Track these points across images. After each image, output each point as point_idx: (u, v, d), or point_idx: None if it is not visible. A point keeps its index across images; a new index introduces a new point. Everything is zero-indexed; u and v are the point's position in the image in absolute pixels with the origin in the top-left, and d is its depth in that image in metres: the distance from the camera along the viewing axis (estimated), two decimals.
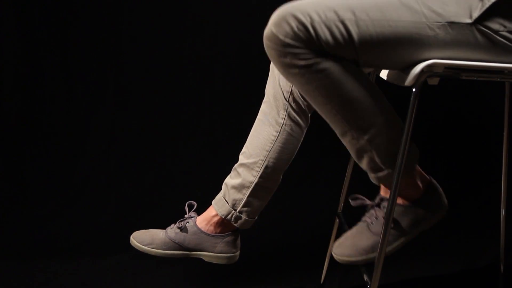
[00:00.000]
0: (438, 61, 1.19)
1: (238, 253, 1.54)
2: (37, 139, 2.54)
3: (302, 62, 1.17)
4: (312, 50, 1.17)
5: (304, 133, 1.47)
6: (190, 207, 1.57)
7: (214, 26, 2.51)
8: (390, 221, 1.25)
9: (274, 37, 1.17)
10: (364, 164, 1.30)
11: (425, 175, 1.38)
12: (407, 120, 1.19)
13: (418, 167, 1.37)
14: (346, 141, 1.28)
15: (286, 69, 1.20)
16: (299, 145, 1.48)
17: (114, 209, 2.34)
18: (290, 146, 1.45)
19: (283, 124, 1.43)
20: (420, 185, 1.36)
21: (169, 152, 2.54)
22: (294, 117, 1.43)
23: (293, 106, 1.43)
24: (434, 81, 1.22)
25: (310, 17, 1.15)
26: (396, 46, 1.19)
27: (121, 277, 1.87)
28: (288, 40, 1.16)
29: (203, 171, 2.42)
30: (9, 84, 2.53)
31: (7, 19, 2.47)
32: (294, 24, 1.15)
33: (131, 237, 1.53)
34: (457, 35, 1.19)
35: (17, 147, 2.52)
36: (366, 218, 1.39)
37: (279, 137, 1.43)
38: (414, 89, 1.19)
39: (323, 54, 1.18)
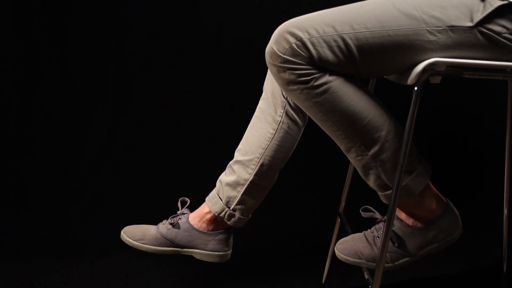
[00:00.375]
0: (440, 59, 1.19)
1: (230, 251, 1.52)
2: (36, 138, 2.54)
3: (300, 78, 1.20)
4: (311, 66, 1.20)
5: (302, 131, 1.45)
6: (183, 203, 1.55)
7: (214, 22, 2.50)
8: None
9: (273, 54, 1.21)
10: (371, 182, 1.31)
11: (441, 196, 1.37)
12: (409, 119, 1.19)
13: (433, 188, 1.36)
14: (351, 158, 1.30)
15: (286, 85, 1.23)
16: (296, 143, 1.46)
17: (113, 208, 2.34)
18: (287, 144, 1.43)
19: (280, 121, 1.41)
20: (434, 206, 1.35)
21: (167, 149, 2.53)
22: (292, 115, 1.41)
23: (291, 103, 1.41)
24: (436, 80, 1.22)
25: (308, 33, 1.18)
26: (397, 54, 1.20)
27: (119, 277, 1.86)
28: (286, 57, 1.19)
29: (199, 168, 2.41)
30: (7, 82, 2.52)
31: (5, 16, 2.47)
32: (292, 40, 1.19)
33: (122, 231, 1.51)
34: (459, 38, 1.19)
35: (15, 146, 2.52)
36: (374, 230, 1.40)
37: (276, 135, 1.41)
38: (416, 88, 1.19)
39: (321, 70, 1.20)
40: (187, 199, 1.56)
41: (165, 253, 1.49)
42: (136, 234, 1.49)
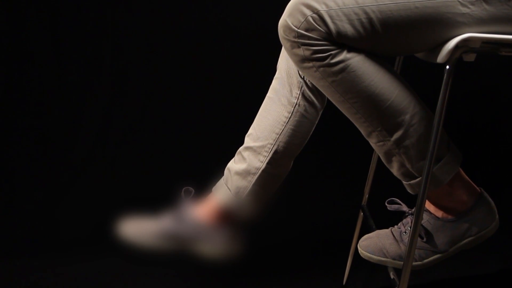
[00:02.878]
0: (474, 34, 1.18)
1: (239, 248, 1.49)
2: (24, 129, 2.55)
3: (315, 55, 1.19)
4: (328, 41, 1.19)
5: (320, 115, 1.44)
6: (187, 193, 1.51)
7: None
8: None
9: (287, 28, 1.20)
10: (394, 170, 1.31)
11: (474, 185, 1.35)
12: (440, 101, 1.18)
13: (465, 177, 1.34)
14: (372, 144, 1.29)
15: (300, 62, 1.23)
16: (313, 128, 1.44)
17: (109, 200, 2.33)
18: (303, 129, 1.41)
19: (296, 104, 1.39)
20: (465, 197, 1.34)
21: (168, 134, 2.53)
22: (309, 96, 1.39)
23: (308, 83, 1.39)
24: (470, 58, 1.21)
25: (326, 5, 1.17)
26: (425, 29, 1.19)
27: (116, 276, 1.86)
28: (301, 31, 1.18)
29: (204, 154, 2.40)
30: None
31: None
32: (308, 13, 1.17)
33: (118, 226, 1.49)
34: (495, 10, 1.18)
35: (2, 137, 2.53)
36: (401, 225, 1.39)
37: (291, 119, 1.40)
38: (447, 66, 1.17)
39: (339, 46, 1.19)
40: (191, 188, 1.52)
41: (167, 249, 1.46)
42: (134, 229, 1.47)
